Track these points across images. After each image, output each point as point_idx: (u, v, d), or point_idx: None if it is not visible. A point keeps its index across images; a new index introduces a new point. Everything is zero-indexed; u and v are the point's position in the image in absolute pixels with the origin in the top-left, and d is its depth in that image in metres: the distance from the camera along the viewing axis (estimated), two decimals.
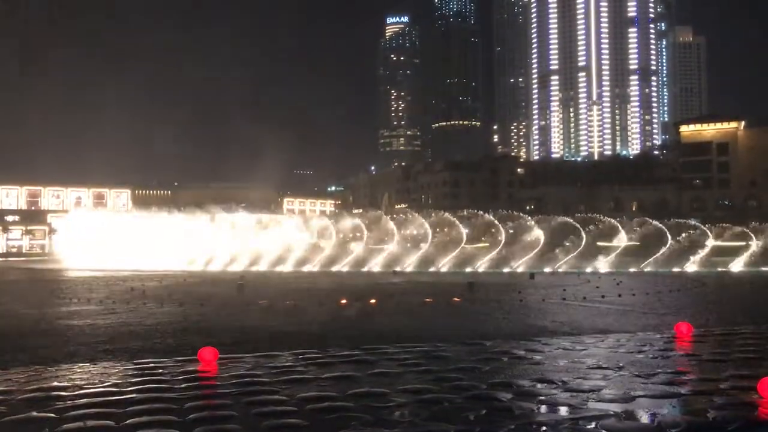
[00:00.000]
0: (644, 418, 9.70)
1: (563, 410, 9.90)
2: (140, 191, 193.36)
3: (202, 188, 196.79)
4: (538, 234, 74.07)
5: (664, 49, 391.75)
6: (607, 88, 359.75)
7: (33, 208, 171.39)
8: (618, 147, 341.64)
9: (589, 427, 8.86)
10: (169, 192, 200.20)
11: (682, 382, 11.93)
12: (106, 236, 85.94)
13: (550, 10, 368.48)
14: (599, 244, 76.09)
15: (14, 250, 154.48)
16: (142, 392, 11.16)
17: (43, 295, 35.66)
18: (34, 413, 9.82)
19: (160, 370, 13.27)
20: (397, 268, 64.69)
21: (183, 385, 11.76)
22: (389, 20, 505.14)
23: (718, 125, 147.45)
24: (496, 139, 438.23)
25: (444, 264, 69.43)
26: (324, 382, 12.06)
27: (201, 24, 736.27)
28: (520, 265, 69.07)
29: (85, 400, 10.57)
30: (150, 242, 79.34)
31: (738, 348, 15.80)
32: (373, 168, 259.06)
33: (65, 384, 11.93)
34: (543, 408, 10.06)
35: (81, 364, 14.10)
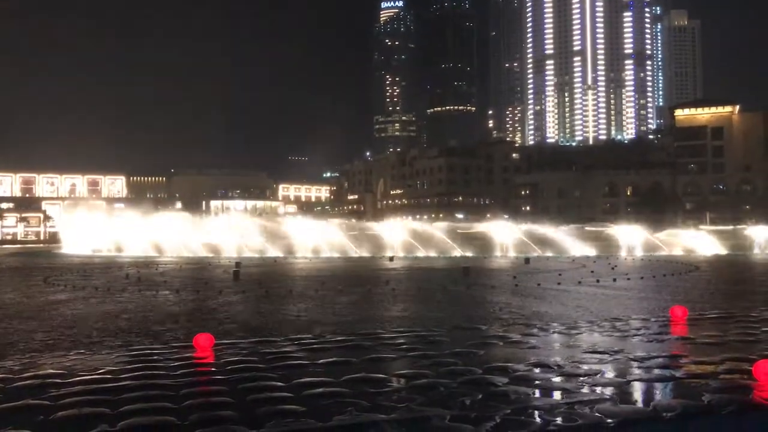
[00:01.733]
0: (639, 402, 9.73)
1: (558, 394, 9.92)
2: (135, 178, 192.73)
3: (197, 175, 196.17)
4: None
5: (659, 33, 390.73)
6: (602, 73, 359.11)
7: (27, 195, 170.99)
8: (613, 131, 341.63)
9: (584, 411, 8.88)
10: (164, 179, 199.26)
11: (677, 365, 11.97)
12: (102, 223, 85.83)
13: None
14: (588, 228, 76.41)
15: (9, 237, 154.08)
16: (137, 379, 11.15)
17: (37, 281, 35.57)
18: (30, 401, 9.81)
19: (156, 357, 13.26)
20: (392, 254, 64.75)
21: (178, 372, 11.75)
22: (384, 5, 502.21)
23: (713, 109, 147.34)
24: (491, 125, 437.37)
25: (440, 249, 69.44)
26: (320, 367, 12.06)
27: (199, 12, 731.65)
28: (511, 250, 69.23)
29: (79, 387, 10.55)
30: (144, 230, 79.13)
31: (733, 331, 15.87)
32: (368, 154, 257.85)
33: (60, 371, 11.90)
34: (538, 392, 10.08)
35: (75, 352, 14.06)
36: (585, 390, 10.09)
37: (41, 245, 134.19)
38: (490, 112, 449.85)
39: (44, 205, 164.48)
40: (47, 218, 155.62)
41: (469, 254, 66.55)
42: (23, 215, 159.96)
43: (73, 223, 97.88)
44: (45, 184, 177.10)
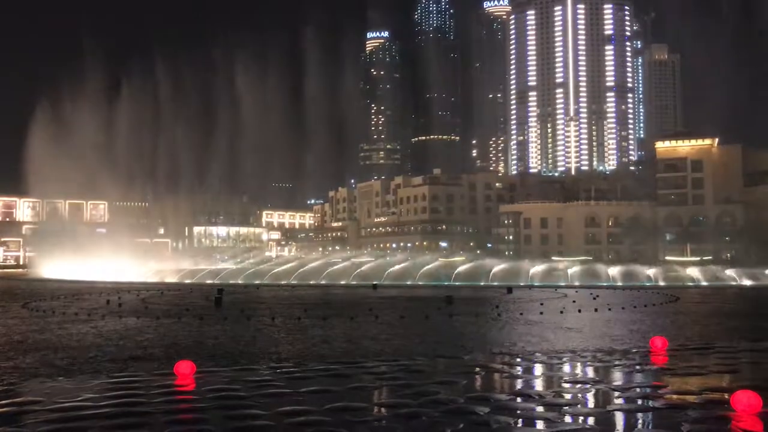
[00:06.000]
0: None
1: (540, 424, 9.95)
2: (118, 203, 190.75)
3: (180, 200, 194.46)
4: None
5: (640, 67, 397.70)
6: (584, 105, 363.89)
7: (8, 219, 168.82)
8: (595, 162, 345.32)
9: None
10: (146, 204, 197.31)
11: (656, 395, 12.05)
12: (81, 248, 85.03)
13: (529, 27, 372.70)
14: (554, 258, 77.24)
15: None
16: (117, 406, 11.02)
17: (16, 308, 35.09)
18: (6, 429, 9.66)
19: (136, 385, 13.12)
20: (377, 282, 64.63)
21: (159, 400, 11.63)
22: (369, 35, 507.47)
23: (693, 142, 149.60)
24: (475, 154, 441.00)
25: (422, 277, 69.48)
26: (301, 396, 12.00)
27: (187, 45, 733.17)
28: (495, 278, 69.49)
29: (58, 415, 10.42)
30: (124, 254, 78.55)
31: (712, 362, 16.00)
32: (353, 181, 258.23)
33: (38, 398, 11.74)
34: (520, 422, 10.10)
35: (54, 379, 13.88)
36: (567, 419, 10.12)
37: (22, 270, 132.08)
38: (474, 141, 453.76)
39: (24, 230, 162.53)
40: (27, 243, 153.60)
41: (453, 282, 66.56)
42: (3, 239, 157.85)
43: (53, 247, 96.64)
44: (26, 208, 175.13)
